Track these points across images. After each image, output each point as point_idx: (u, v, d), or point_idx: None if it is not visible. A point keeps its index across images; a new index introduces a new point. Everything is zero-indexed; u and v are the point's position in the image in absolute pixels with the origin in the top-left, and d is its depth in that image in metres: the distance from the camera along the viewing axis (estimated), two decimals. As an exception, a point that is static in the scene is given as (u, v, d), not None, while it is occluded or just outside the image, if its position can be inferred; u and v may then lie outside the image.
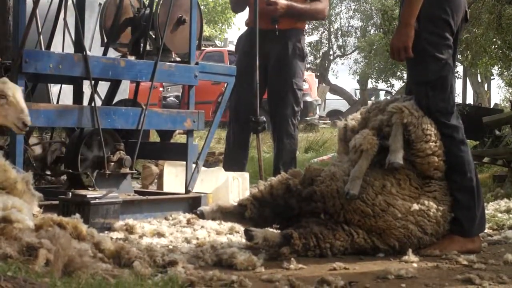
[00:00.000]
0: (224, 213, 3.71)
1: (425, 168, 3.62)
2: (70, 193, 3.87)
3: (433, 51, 3.63)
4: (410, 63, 3.74)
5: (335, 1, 29.80)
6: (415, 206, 3.52)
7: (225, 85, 5.06)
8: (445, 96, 3.67)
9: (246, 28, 5.85)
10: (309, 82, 17.16)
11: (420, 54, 3.62)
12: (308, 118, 16.41)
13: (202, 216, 3.73)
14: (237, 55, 5.89)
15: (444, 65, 3.65)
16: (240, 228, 3.95)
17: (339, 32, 30.64)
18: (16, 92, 3.56)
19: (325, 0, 5.79)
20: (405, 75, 26.12)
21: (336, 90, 27.94)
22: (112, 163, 4.36)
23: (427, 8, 3.61)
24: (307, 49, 5.91)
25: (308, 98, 16.47)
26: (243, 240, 3.71)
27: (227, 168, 5.36)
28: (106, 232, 3.78)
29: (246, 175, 5.33)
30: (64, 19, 4.93)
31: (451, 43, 3.70)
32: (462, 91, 26.40)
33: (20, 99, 3.57)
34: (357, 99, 28.01)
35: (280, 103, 5.60)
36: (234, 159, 5.63)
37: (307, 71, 21.16)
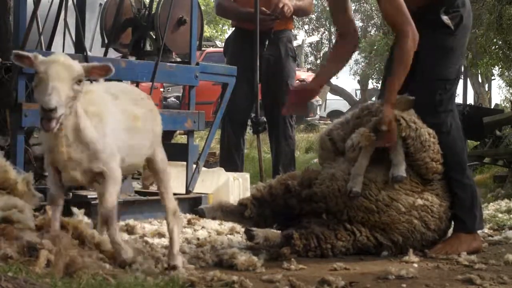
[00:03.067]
0: (224, 212, 3.72)
1: (423, 173, 3.64)
2: (71, 194, 3.88)
3: (459, 51, 3.77)
4: (434, 59, 3.76)
5: (335, 2, 29.77)
6: (419, 201, 3.57)
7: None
8: (453, 95, 3.80)
9: (233, 29, 5.85)
10: (309, 82, 17.15)
11: (452, 53, 3.73)
12: (308, 119, 16.41)
13: (203, 214, 3.74)
14: (226, 58, 5.85)
15: (459, 68, 3.80)
16: (240, 228, 3.96)
17: (340, 33, 30.61)
18: (50, 67, 2.59)
19: None
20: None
21: (337, 91, 27.93)
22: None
23: (466, 18, 3.75)
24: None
25: (308, 98, 16.47)
26: (244, 241, 3.71)
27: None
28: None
29: (246, 175, 5.33)
30: (65, 19, 4.92)
31: None
32: (463, 92, 26.37)
33: (53, 76, 2.56)
34: (357, 99, 28.01)
35: (276, 105, 5.59)
36: (228, 161, 5.63)
37: (307, 71, 21.18)
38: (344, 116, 4.01)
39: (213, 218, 3.86)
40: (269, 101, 5.70)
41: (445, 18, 3.70)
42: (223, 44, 6.09)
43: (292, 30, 6.02)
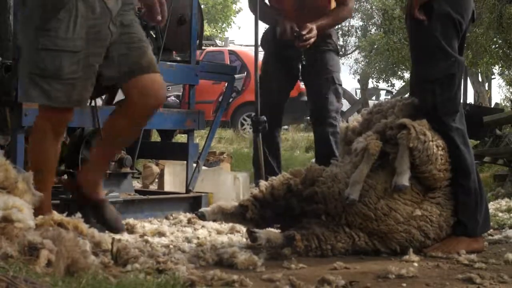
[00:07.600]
0: (225, 214, 3.71)
1: (431, 184, 3.60)
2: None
3: (445, 48, 3.61)
4: (417, 60, 3.71)
5: (335, 1, 29.78)
6: (418, 212, 3.52)
7: (225, 84, 5.05)
8: (452, 95, 3.65)
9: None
10: (310, 81, 17.14)
11: (430, 50, 3.61)
12: (309, 118, 16.42)
13: (203, 217, 3.73)
14: (264, 53, 5.30)
15: (453, 62, 3.63)
16: (241, 227, 3.96)
17: (340, 32, 30.64)
18: None
19: (351, 1, 5.52)
20: (406, 75, 26.15)
21: (337, 90, 27.90)
22: (113, 163, 4.35)
23: (440, 6, 3.60)
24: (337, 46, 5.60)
25: (309, 98, 16.48)
26: (244, 240, 3.71)
27: (256, 172, 5.08)
28: (107, 231, 3.78)
29: (247, 174, 5.32)
30: (65, 18, 4.91)
31: (458, 42, 3.70)
32: (463, 91, 26.44)
33: None
34: (357, 98, 28.01)
35: (322, 102, 5.22)
36: (262, 163, 5.24)
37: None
38: (362, 111, 3.97)
39: (214, 221, 3.86)
40: (315, 98, 5.29)
41: (417, 12, 3.58)
42: (261, 37, 5.60)
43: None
